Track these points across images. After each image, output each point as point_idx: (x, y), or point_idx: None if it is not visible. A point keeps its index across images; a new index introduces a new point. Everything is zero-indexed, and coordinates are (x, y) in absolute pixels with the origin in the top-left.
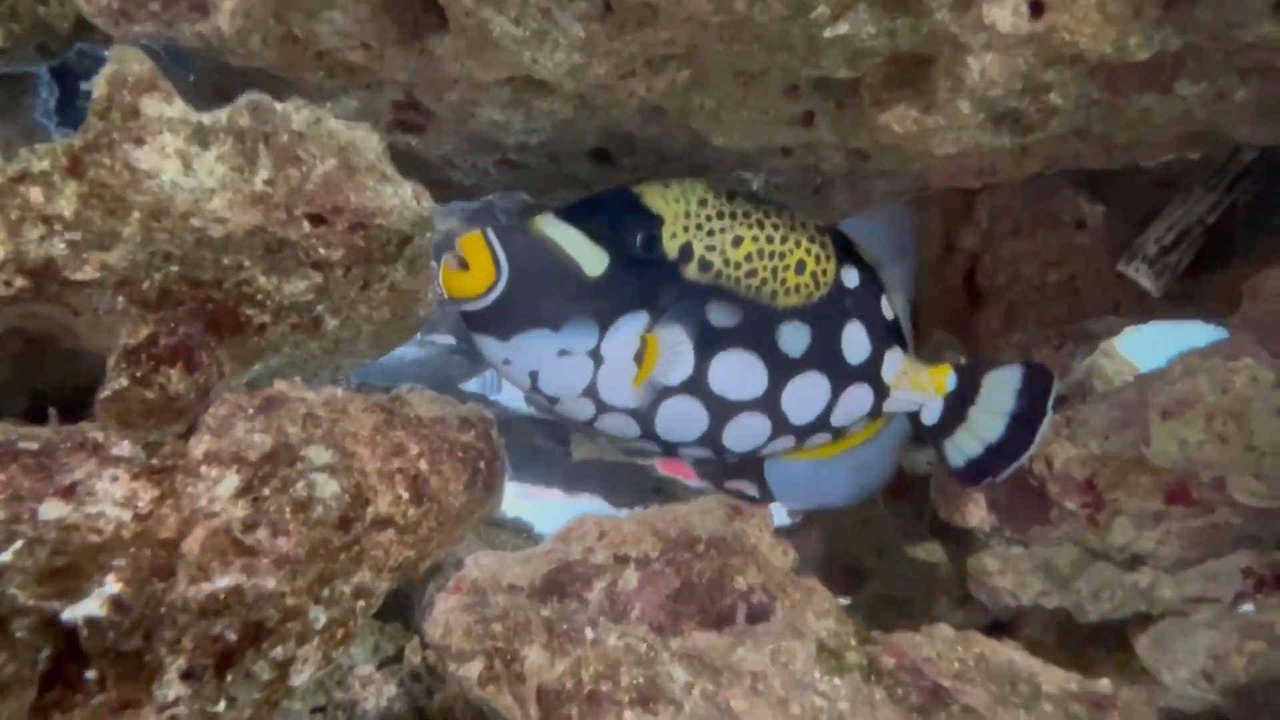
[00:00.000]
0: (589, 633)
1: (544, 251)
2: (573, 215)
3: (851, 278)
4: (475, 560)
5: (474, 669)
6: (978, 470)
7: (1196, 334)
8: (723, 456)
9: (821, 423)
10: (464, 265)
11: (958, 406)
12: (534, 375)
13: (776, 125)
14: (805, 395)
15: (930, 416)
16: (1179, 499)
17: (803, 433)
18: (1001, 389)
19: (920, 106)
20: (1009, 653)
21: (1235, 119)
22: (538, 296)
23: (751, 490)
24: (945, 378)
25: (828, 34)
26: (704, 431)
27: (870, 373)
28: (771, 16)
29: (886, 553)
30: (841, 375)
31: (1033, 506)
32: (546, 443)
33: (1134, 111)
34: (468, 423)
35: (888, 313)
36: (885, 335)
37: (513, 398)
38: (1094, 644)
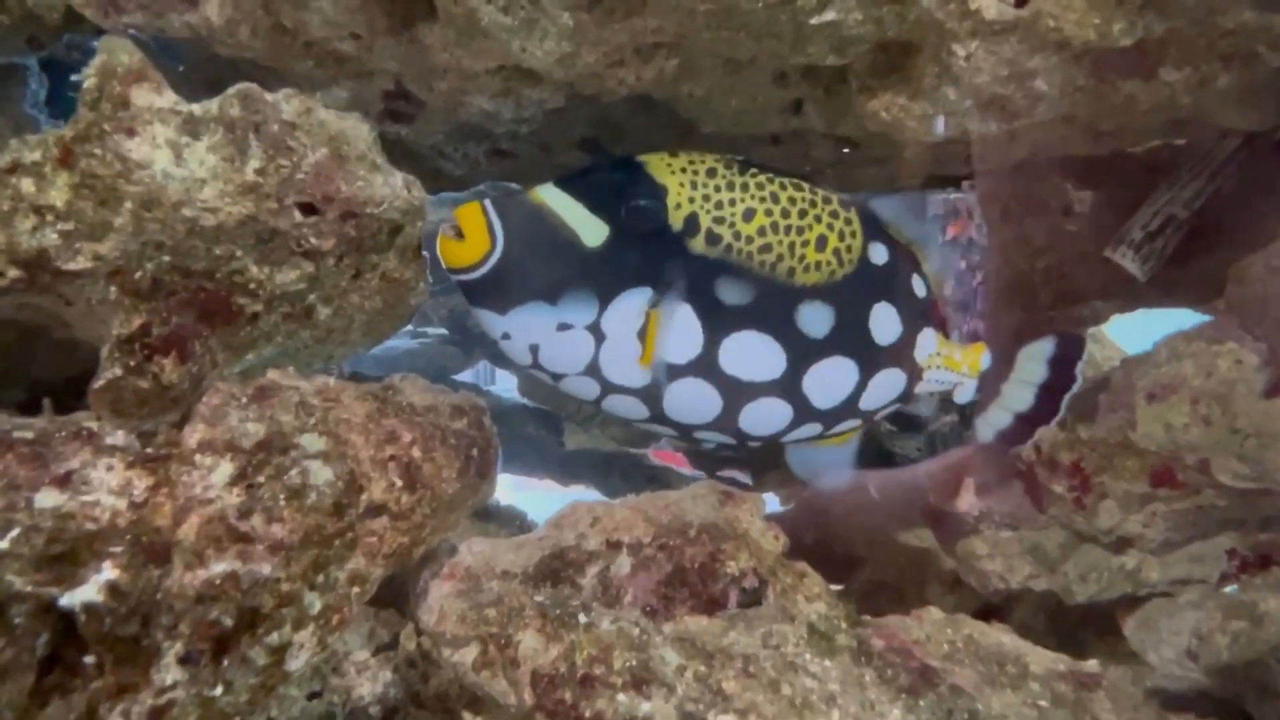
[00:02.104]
0: (582, 617)
1: (541, 221)
2: (573, 184)
3: (880, 254)
4: (469, 547)
5: (469, 654)
6: (1004, 439)
7: (1183, 319)
8: (745, 442)
9: (849, 408)
10: (460, 234)
11: (993, 384)
12: (534, 350)
13: (765, 113)
14: (830, 379)
15: (964, 396)
16: (1164, 482)
17: (829, 418)
18: (1034, 361)
19: (907, 94)
20: (998, 635)
21: (1219, 105)
22: (534, 267)
23: (744, 478)
24: (980, 357)
25: (814, 21)
26: (718, 415)
27: (902, 355)
28: (759, 4)
29: (878, 540)
30: (870, 359)
31: (1021, 491)
32: (539, 432)
33: (1119, 97)
34: (460, 410)
35: (920, 291)
36: (918, 315)
37: (506, 388)
38: (1083, 628)
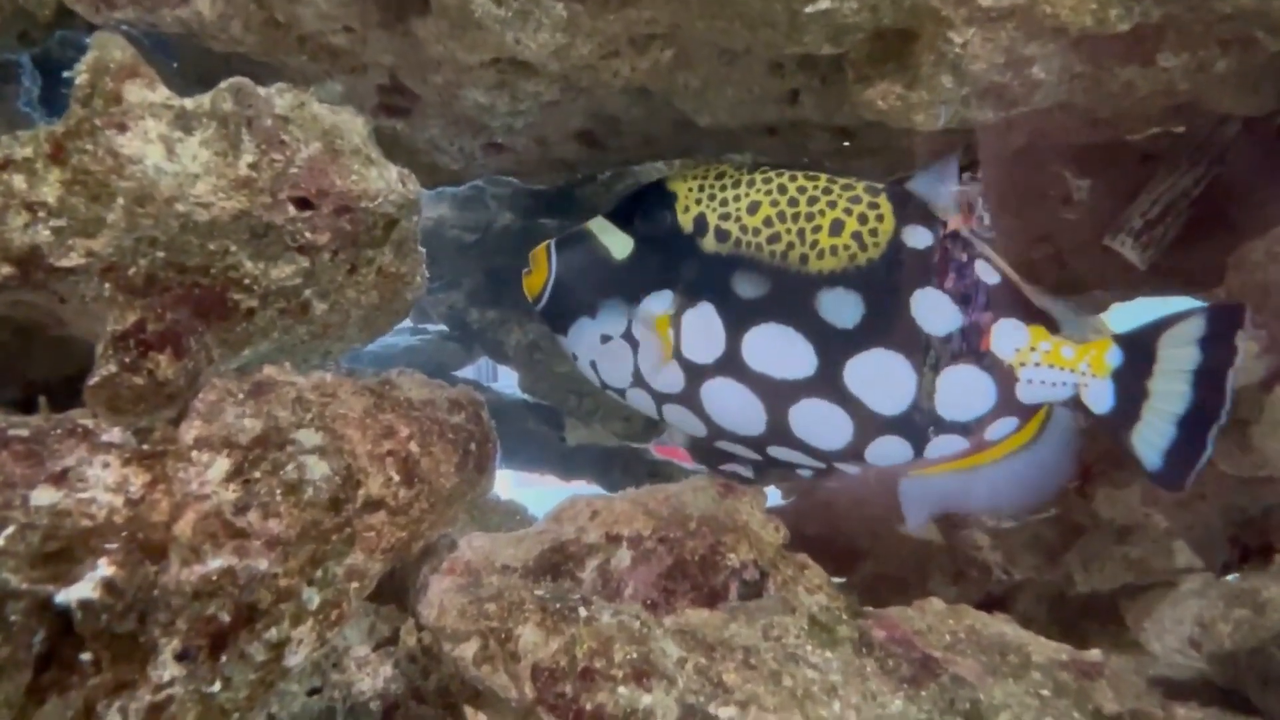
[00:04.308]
0: (582, 611)
1: (584, 245)
2: (613, 210)
3: (920, 238)
4: (469, 542)
5: (469, 649)
6: (1180, 458)
7: (1183, 306)
8: (828, 461)
9: (924, 414)
10: (531, 270)
11: (1134, 383)
12: (594, 366)
13: (762, 104)
14: (876, 376)
15: (1100, 403)
16: None
17: (907, 430)
18: (1181, 346)
19: (904, 82)
20: (1000, 625)
21: (1217, 90)
22: (579, 287)
23: (746, 473)
24: (1105, 353)
25: (809, 10)
26: (766, 421)
27: (972, 350)
28: None
29: (881, 532)
30: (923, 351)
31: None
32: (541, 428)
33: (1117, 84)
34: (458, 405)
35: (989, 277)
36: (988, 304)
37: (508, 384)
38: (1086, 618)
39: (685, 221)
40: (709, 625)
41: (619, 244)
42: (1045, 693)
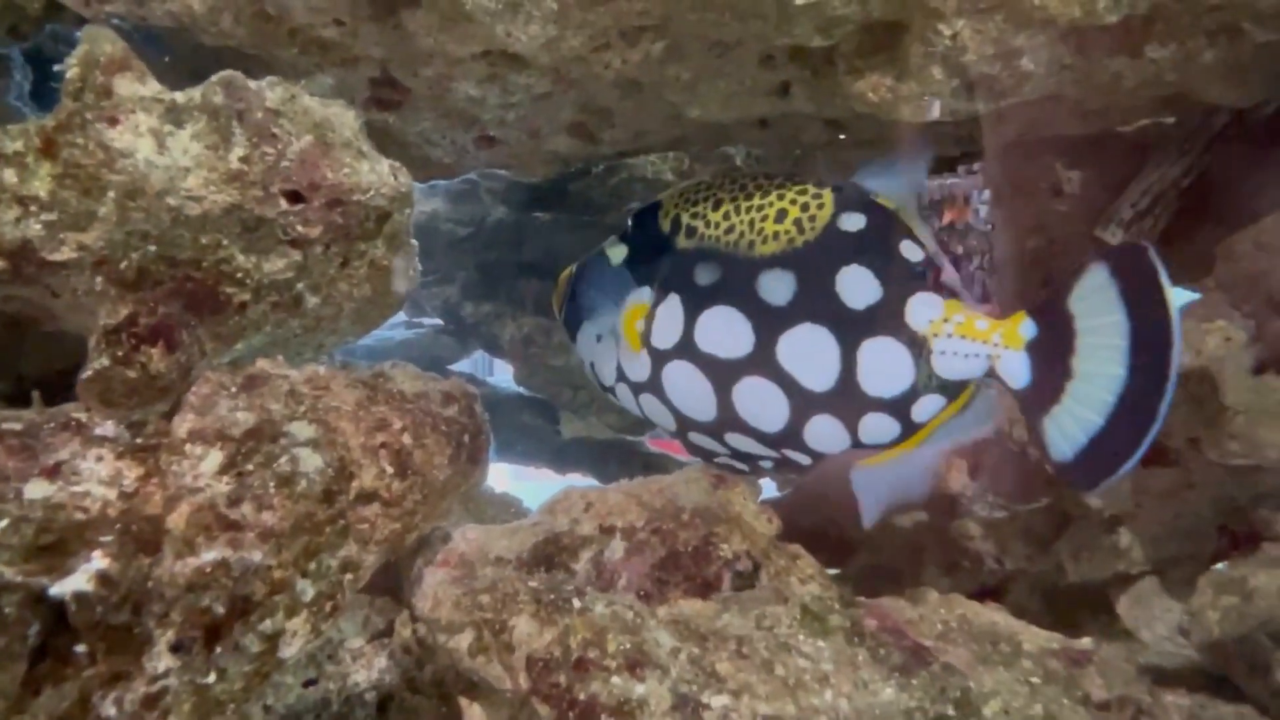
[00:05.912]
0: (576, 602)
1: (594, 258)
2: (623, 229)
3: (853, 222)
4: (463, 534)
5: (464, 640)
6: (1099, 455)
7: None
8: (777, 448)
9: (851, 390)
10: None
11: (1056, 360)
12: (593, 367)
13: (753, 96)
14: (803, 349)
15: (1015, 378)
16: (1155, 460)
17: (837, 407)
18: (1100, 312)
19: (894, 74)
20: (991, 614)
21: (1205, 81)
22: (585, 293)
23: (740, 466)
24: (1019, 325)
25: (799, 1)
26: (716, 403)
27: (890, 322)
28: None
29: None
30: (845, 324)
31: (1013, 471)
32: (536, 422)
33: (1105, 75)
34: (451, 397)
35: (913, 254)
36: (907, 279)
37: (504, 378)
38: (1079, 607)
39: (665, 224)
40: (702, 615)
41: (617, 252)
42: (1035, 680)
